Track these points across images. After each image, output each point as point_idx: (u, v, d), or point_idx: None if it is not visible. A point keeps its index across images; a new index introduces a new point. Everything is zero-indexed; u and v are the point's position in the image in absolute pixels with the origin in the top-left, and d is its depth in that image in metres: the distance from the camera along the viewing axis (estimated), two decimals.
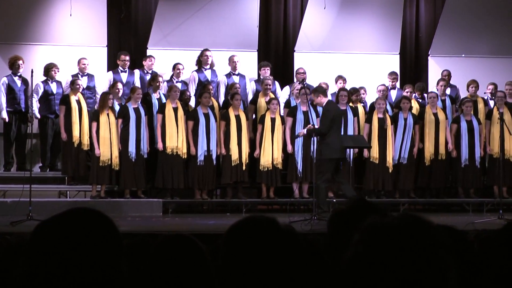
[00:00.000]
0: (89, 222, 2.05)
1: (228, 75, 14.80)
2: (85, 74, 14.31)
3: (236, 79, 14.71)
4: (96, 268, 1.98)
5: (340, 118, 12.59)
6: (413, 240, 1.84)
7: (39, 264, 1.97)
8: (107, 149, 13.28)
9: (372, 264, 1.83)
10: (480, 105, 14.81)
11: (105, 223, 2.07)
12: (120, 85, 13.87)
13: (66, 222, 2.03)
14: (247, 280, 2.24)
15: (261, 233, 2.32)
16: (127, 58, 14.54)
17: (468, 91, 14.94)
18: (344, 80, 14.78)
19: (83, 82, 14.06)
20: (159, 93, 14.00)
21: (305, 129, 12.45)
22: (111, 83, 14.11)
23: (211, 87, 14.08)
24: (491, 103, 14.63)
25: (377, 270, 1.82)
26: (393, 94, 15.19)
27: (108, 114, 13.26)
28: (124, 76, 14.39)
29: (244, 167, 13.77)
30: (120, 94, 13.83)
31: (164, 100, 13.85)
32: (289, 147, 13.93)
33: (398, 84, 15.57)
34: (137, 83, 14.35)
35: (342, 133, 13.84)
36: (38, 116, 13.98)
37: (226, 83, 14.66)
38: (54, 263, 1.95)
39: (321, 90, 12.69)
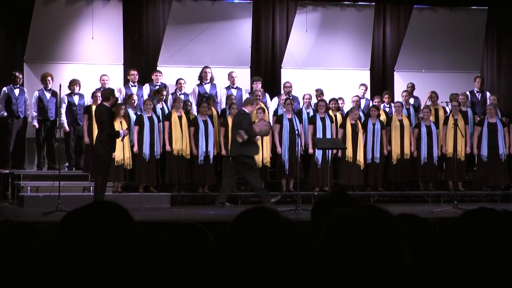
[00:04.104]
0: (109, 213, 2.05)
1: (228, 88, 14.79)
2: (105, 88, 14.29)
3: (234, 91, 14.70)
4: (115, 250, 1.98)
5: None
6: (373, 229, 1.78)
7: (67, 247, 1.97)
8: (120, 152, 13.15)
9: (337, 252, 1.77)
10: (441, 112, 14.82)
11: (122, 214, 2.07)
12: (135, 97, 13.87)
13: (90, 212, 2.04)
14: (252, 261, 2.22)
15: (265, 221, 2.30)
16: (135, 72, 14.60)
17: (430, 101, 14.98)
18: (322, 92, 14.76)
19: None
20: (162, 104, 13.98)
21: (243, 133, 12.39)
22: (124, 96, 14.14)
23: (214, 99, 14.14)
24: (448, 110, 14.69)
25: (341, 258, 1.76)
26: (362, 102, 15.17)
27: (121, 122, 13.12)
28: (134, 90, 14.36)
29: None
30: (135, 104, 13.81)
31: (166, 110, 13.85)
32: (279, 149, 13.91)
33: (368, 95, 15.62)
34: (146, 95, 14.35)
35: (321, 136, 13.86)
36: (67, 129, 13.97)
37: (226, 95, 14.64)
38: (79, 247, 1.96)
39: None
